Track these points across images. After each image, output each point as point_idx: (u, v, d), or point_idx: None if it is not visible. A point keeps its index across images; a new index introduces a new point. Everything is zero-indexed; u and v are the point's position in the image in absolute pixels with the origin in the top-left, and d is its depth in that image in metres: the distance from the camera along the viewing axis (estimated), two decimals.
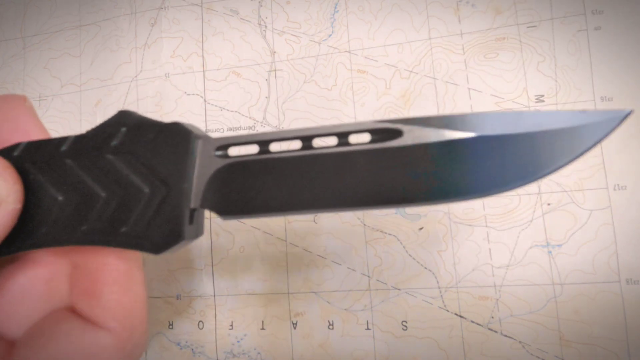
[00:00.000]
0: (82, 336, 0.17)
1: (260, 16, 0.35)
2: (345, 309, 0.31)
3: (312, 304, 0.31)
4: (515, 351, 0.28)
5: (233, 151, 0.16)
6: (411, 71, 0.31)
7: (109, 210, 0.16)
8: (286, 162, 0.16)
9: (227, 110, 0.34)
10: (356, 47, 0.33)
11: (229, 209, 0.16)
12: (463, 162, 0.14)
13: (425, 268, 0.30)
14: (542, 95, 0.29)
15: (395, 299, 0.30)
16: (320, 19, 0.33)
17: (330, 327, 0.31)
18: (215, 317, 0.33)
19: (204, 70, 0.35)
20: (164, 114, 0.35)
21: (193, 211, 0.16)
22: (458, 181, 0.14)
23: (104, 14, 0.38)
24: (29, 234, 0.17)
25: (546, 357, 0.27)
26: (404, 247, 0.30)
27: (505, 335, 0.28)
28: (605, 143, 0.28)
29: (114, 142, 0.17)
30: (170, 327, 0.33)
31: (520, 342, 0.28)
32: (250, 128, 0.33)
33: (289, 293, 0.32)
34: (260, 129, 0.33)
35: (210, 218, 0.33)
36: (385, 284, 0.30)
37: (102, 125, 0.17)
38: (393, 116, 0.31)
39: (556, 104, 0.29)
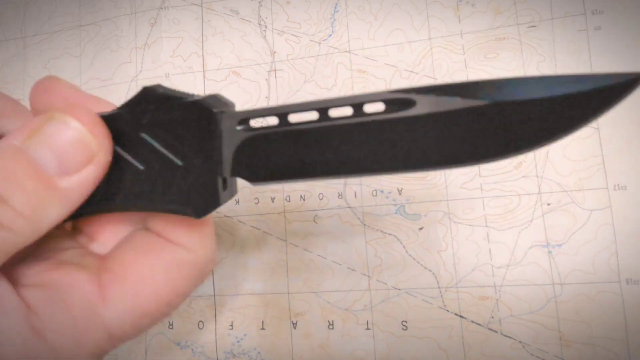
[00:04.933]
0: (163, 251, 0.19)
1: (260, 16, 0.35)
2: (345, 309, 0.31)
3: (312, 304, 0.31)
4: (515, 351, 0.28)
5: (254, 123, 0.17)
6: (411, 71, 0.31)
7: (150, 181, 0.18)
8: (304, 132, 0.16)
9: None
10: (356, 47, 0.33)
11: (256, 176, 0.17)
12: (477, 129, 0.14)
13: (425, 268, 0.30)
14: None
15: (395, 299, 0.30)
16: (320, 19, 0.33)
17: (330, 327, 0.31)
18: (215, 317, 0.33)
19: (204, 70, 0.35)
20: None
21: (225, 179, 0.18)
22: (472, 147, 0.15)
23: (104, 14, 0.38)
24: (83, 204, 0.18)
25: (546, 357, 0.27)
26: (404, 247, 0.30)
27: (505, 335, 0.28)
28: (605, 143, 0.28)
29: (144, 121, 0.18)
30: (170, 327, 0.33)
31: (520, 342, 0.28)
32: None
33: (289, 293, 0.32)
34: None
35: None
36: (385, 284, 0.30)
37: (130, 103, 0.18)
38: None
39: None
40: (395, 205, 0.31)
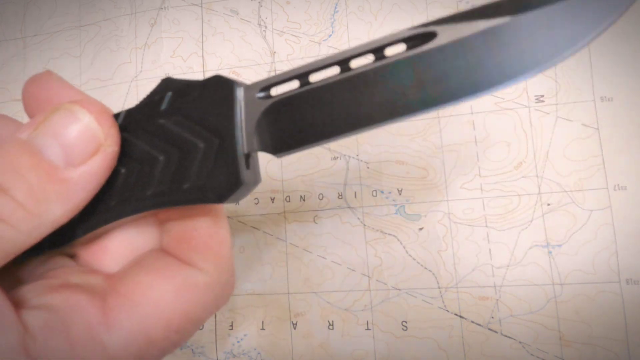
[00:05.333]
0: (177, 272, 0.18)
1: (260, 16, 0.35)
2: (345, 309, 0.31)
3: (312, 304, 0.31)
4: (515, 351, 0.28)
5: (275, 91, 0.17)
6: None
7: (169, 171, 0.17)
8: (328, 89, 0.16)
9: None
10: None
11: (280, 145, 0.17)
12: (502, 48, 0.14)
13: (425, 268, 0.30)
14: (542, 96, 0.29)
15: (395, 299, 0.30)
16: (320, 19, 0.33)
17: (330, 327, 0.31)
18: (215, 318, 0.33)
19: (203, 71, 0.35)
20: None
21: (248, 156, 0.17)
22: (497, 69, 0.14)
23: (104, 14, 0.38)
24: (100, 209, 0.18)
25: (546, 357, 0.27)
26: (404, 247, 0.30)
27: (505, 335, 0.28)
28: (605, 143, 0.28)
29: (163, 107, 0.17)
30: None
31: (520, 342, 0.28)
32: None
33: (289, 293, 0.32)
34: None
35: None
36: (385, 284, 0.30)
37: (150, 95, 0.18)
38: None
39: (556, 104, 0.29)
40: (395, 205, 0.31)
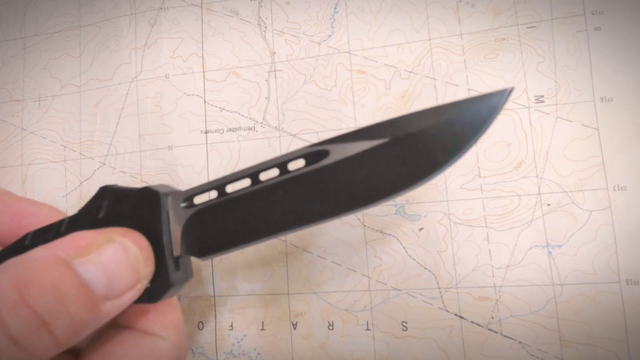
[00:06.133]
0: (143, 343, 0.18)
1: (260, 17, 0.35)
2: (345, 310, 0.31)
3: (312, 304, 0.31)
4: (515, 351, 0.28)
5: (197, 200, 0.18)
6: (411, 72, 0.31)
7: None
8: (241, 199, 0.18)
9: (227, 110, 0.34)
10: (356, 47, 0.33)
11: (205, 249, 0.18)
12: (383, 164, 0.16)
13: (425, 268, 0.30)
14: (542, 96, 0.29)
15: (395, 299, 0.30)
16: (320, 20, 0.33)
17: (330, 327, 0.31)
18: (215, 318, 0.33)
19: (203, 71, 0.35)
20: (163, 114, 0.35)
21: (177, 258, 0.18)
22: (384, 181, 0.16)
23: (104, 14, 0.38)
24: None
25: (546, 358, 0.27)
26: (403, 247, 0.30)
27: (505, 336, 0.28)
28: (605, 143, 0.28)
29: (101, 215, 0.19)
30: None
31: (520, 342, 0.28)
32: (250, 129, 0.33)
33: (289, 293, 0.32)
34: (260, 129, 0.33)
35: None
36: (385, 284, 0.30)
37: (89, 203, 0.19)
38: (393, 117, 0.31)
39: (556, 104, 0.29)
40: (395, 205, 0.31)
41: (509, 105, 0.30)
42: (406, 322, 0.30)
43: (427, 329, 0.29)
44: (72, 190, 0.36)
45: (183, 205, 0.18)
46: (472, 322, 0.29)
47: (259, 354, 0.31)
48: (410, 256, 0.30)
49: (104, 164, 0.36)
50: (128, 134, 0.36)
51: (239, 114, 0.34)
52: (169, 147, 0.35)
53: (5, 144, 0.38)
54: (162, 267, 0.18)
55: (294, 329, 0.31)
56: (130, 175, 0.35)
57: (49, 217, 0.20)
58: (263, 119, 0.33)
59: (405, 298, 0.30)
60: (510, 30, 0.30)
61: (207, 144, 0.34)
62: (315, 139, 0.32)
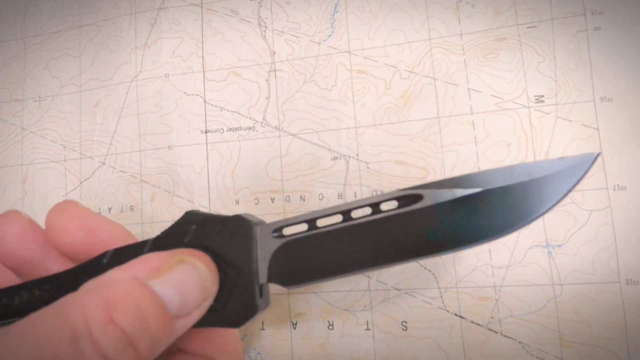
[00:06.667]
0: None
1: (260, 16, 0.35)
2: (345, 309, 0.31)
3: (312, 304, 0.31)
4: (515, 351, 0.28)
5: (287, 231, 0.19)
6: (411, 71, 0.31)
7: None
8: (332, 234, 0.19)
9: (227, 110, 0.34)
10: (356, 47, 0.33)
11: (291, 279, 0.19)
12: (474, 213, 0.17)
13: (425, 268, 0.30)
14: (542, 96, 0.29)
15: (395, 299, 0.30)
16: (320, 19, 0.33)
17: (330, 327, 0.31)
18: None
19: (203, 71, 0.35)
20: (163, 114, 0.35)
21: (261, 286, 0.19)
22: (473, 229, 0.17)
23: (103, 14, 0.38)
24: None
25: (546, 357, 0.27)
26: None
27: (505, 336, 0.28)
28: (605, 143, 0.28)
29: (187, 239, 0.19)
30: None
31: (520, 342, 0.28)
32: (250, 128, 0.33)
33: (289, 293, 0.32)
34: (260, 129, 0.33)
35: None
36: (385, 284, 0.30)
37: (174, 226, 0.20)
38: (393, 117, 0.31)
39: (556, 104, 0.29)
40: None
41: (509, 105, 0.30)
42: (406, 322, 0.30)
43: (427, 328, 0.29)
44: (72, 190, 0.36)
45: (273, 235, 0.19)
46: (472, 322, 0.29)
47: (259, 353, 0.31)
48: None
49: (103, 163, 0.36)
50: (128, 134, 0.36)
51: (239, 113, 0.34)
52: (169, 147, 0.35)
53: (5, 144, 0.38)
54: (249, 293, 0.18)
55: (294, 328, 0.31)
56: (130, 174, 0.35)
57: (120, 236, 0.20)
58: (263, 118, 0.33)
59: (405, 298, 0.30)
60: (510, 30, 0.30)
61: (207, 143, 0.34)
62: (315, 139, 0.32)
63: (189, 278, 0.16)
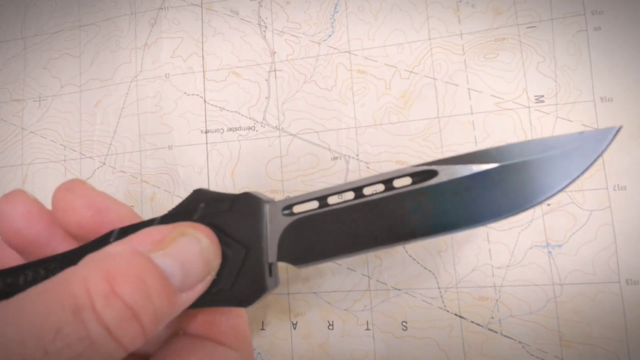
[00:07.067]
0: (215, 352, 0.18)
1: (260, 16, 0.35)
2: (345, 309, 0.31)
3: (312, 304, 0.31)
4: (515, 351, 0.28)
5: (297, 209, 0.19)
6: (411, 71, 0.31)
7: None
8: (344, 211, 0.18)
9: (227, 110, 0.34)
10: (356, 47, 0.33)
11: (301, 257, 0.18)
12: (490, 189, 0.17)
13: (425, 268, 0.30)
14: (542, 96, 0.29)
15: (395, 299, 0.30)
16: (320, 19, 0.33)
17: (330, 327, 0.31)
18: None
19: (203, 71, 0.35)
20: (163, 114, 0.35)
21: (271, 265, 0.18)
22: (488, 205, 0.17)
23: (104, 14, 0.38)
24: None
25: (546, 357, 0.27)
26: (404, 247, 0.30)
27: (505, 336, 0.28)
28: None
29: (195, 217, 0.19)
30: None
31: (520, 342, 0.28)
32: (250, 128, 0.33)
33: (289, 293, 0.32)
34: (260, 129, 0.33)
35: None
36: (385, 284, 0.30)
37: (182, 204, 0.19)
38: (393, 117, 0.31)
39: (556, 104, 0.29)
40: None
41: (509, 105, 0.30)
42: (406, 322, 0.30)
43: (427, 328, 0.29)
44: None
45: (284, 212, 0.19)
46: (472, 322, 0.29)
47: (259, 353, 0.31)
48: (410, 256, 0.30)
49: (104, 163, 0.36)
50: (128, 134, 0.36)
51: (239, 113, 0.34)
52: (169, 147, 0.35)
53: (5, 144, 0.38)
54: (258, 272, 0.18)
55: (294, 329, 0.31)
56: (130, 174, 0.35)
57: (128, 217, 0.20)
58: (263, 118, 0.33)
59: (405, 298, 0.30)
60: (510, 30, 0.30)
61: (207, 143, 0.34)
62: (315, 139, 0.32)
63: (191, 250, 0.16)
